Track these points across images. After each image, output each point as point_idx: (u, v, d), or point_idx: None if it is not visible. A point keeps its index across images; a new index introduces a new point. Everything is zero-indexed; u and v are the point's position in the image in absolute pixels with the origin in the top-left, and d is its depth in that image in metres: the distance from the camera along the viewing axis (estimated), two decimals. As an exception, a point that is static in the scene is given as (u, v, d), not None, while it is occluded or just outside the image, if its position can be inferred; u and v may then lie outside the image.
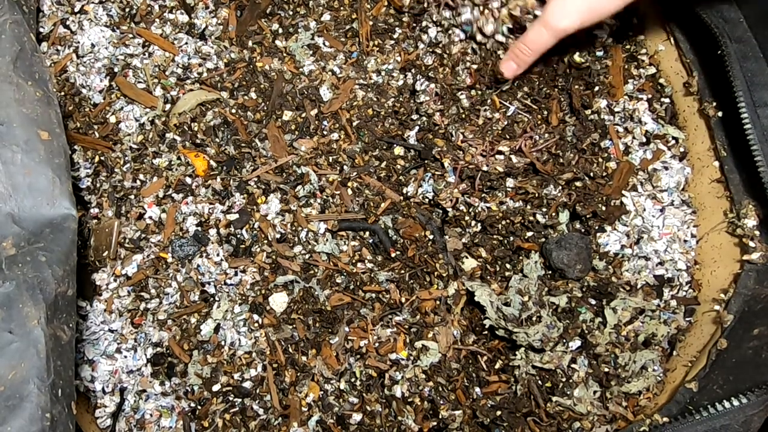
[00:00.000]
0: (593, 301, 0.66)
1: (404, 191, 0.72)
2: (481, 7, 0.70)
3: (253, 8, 0.78)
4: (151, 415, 0.66)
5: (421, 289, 0.69)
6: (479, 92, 0.72)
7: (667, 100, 0.74)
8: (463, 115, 0.71)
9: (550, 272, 0.67)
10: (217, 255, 0.69)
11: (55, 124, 0.53)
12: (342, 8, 0.79)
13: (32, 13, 0.68)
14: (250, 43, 0.77)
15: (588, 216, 0.68)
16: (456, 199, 0.69)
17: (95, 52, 0.75)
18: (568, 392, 0.63)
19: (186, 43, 0.76)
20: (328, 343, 0.67)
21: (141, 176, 0.72)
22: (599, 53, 0.73)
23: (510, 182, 0.69)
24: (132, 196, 0.71)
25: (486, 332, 0.67)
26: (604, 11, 0.62)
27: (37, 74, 0.54)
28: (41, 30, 0.75)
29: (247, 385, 0.66)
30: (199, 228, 0.70)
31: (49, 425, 0.44)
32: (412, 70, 0.75)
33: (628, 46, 0.75)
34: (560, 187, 0.68)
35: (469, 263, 0.69)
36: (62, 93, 0.73)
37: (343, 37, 0.78)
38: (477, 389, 0.66)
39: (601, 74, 0.72)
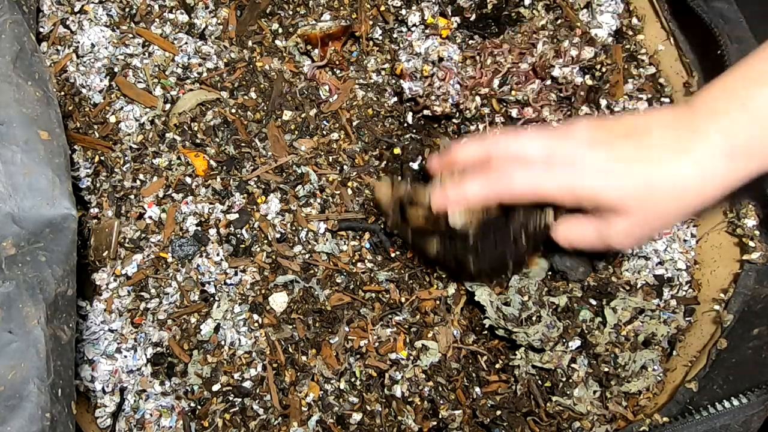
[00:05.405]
0: (593, 301, 0.66)
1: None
2: None
3: (253, 8, 0.78)
4: (151, 415, 0.66)
5: (420, 289, 0.69)
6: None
7: (667, 100, 0.74)
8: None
9: (550, 272, 0.67)
10: (217, 255, 0.69)
11: (55, 124, 0.53)
12: (342, 8, 0.79)
13: (32, 13, 0.67)
14: (250, 43, 0.77)
15: (588, 216, 0.68)
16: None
17: (95, 52, 0.75)
18: (568, 392, 0.63)
19: (186, 43, 0.76)
20: (328, 343, 0.67)
21: (141, 176, 0.72)
22: None
23: None
24: (132, 196, 0.71)
25: (486, 332, 0.67)
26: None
27: (37, 74, 0.54)
28: (41, 30, 0.75)
29: (247, 384, 0.66)
30: (199, 228, 0.70)
31: (49, 425, 0.44)
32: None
33: (628, 46, 0.75)
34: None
35: (469, 263, 0.69)
36: (62, 93, 0.73)
37: (343, 36, 0.78)
38: (477, 389, 0.66)
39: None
